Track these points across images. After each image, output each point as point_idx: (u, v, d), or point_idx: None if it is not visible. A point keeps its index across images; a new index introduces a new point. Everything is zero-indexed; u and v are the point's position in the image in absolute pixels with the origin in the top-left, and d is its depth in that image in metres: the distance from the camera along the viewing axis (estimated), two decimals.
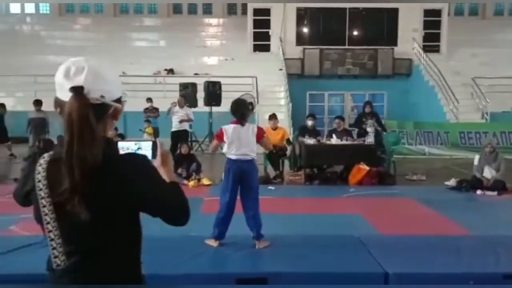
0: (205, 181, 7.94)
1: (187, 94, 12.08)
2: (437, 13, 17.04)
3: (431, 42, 17.01)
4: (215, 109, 12.56)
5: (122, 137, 8.17)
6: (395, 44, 16.60)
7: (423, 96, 15.15)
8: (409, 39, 16.42)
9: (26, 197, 1.33)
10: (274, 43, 16.98)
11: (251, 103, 12.33)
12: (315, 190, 7.75)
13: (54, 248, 1.27)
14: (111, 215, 1.27)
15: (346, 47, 16.70)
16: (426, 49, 16.31)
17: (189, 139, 10.92)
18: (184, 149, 8.48)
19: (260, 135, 4.31)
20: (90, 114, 1.24)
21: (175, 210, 1.38)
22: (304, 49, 16.40)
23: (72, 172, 1.21)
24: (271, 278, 3.52)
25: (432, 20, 17.01)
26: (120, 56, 16.12)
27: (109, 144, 1.33)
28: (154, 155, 1.50)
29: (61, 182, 1.22)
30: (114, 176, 1.26)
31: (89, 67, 1.28)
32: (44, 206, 1.26)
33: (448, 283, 3.43)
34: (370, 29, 17.04)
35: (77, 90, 1.24)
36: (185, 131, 10.48)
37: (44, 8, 20.69)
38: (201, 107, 12.41)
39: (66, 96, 1.26)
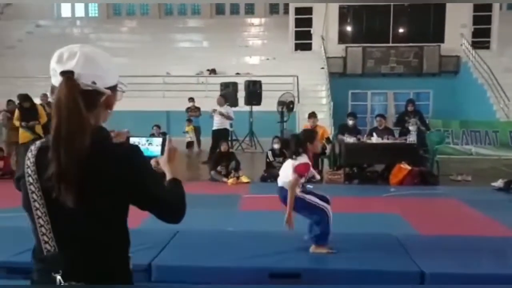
0: (244, 179, 8.03)
1: (228, 93, 12.22)
2: (488, 7, 16.33)
3: (480, 38, 16.36)
4: (255, 108, 12.65)
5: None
6: (442, 40, 16.07)
7: (471, 94, 14.59)
8: (457, 35, 15.85)
9: (17, 183, 1.32)
10: (316, 41, 16.87)
11: (291, 102, 12.39)
12: (354, 189, 7.66)
13: (43, 234, 1.24)
14: (99, 203, 1.25)
15: (390, 44, 16.34)
16: (475, 45, 15.69)
17: (230, 138, 11.05)
18: (223, 147, 8.60)
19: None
20: (79, 100, 1.21)
21: (166, 206, 1.35)
22: (347, 47, 16.20)
23: (58, 158, 1.18)
24: (305, 274, 3.54)
25: (482, 15, 16.34)
26: (164, 57, 16.55)
27: (102, 133, 1.30)
28: (163, 151, 1.50)
29: (48, 168, 1.20)
30: (104, 164, 1.23)
31: (81, 52, 1.26)
32: (33, 192, 1.24)
33: (487, 284, 3.32)
34: (415, 25, 16.59)
35: (67, 75, 1.22)
36: (225, 130, 10.59)
37: (93, 11, 21.54)
38: (242, 106, 12.53)
39: (58, 81, 1.25)
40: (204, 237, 4.33)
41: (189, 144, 12.13)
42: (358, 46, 16.12)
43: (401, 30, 16.79)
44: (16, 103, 9.05)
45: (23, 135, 8.49)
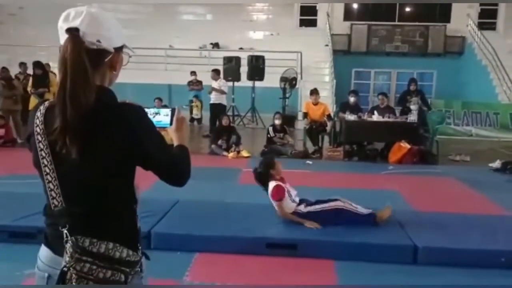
0: (244, 153, 8.08)
1: (231, 67, 12.18)
2: None
3: (487, 19, 16.16)
4: (258, 83, 12.61)
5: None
6: (448, 20, 15.87)
7: (474, 76, 14.50)
8: (463, 16, 15.64)
9: (28, 142, 1.34)
10: (321, 18, 16.67)
11: (294, 78, 12.35)
12: (353, 166, 7.71)
13: (51, 190, 1.27)
14: (104, 159, 1.26)
15: (396, 23, 16.15)
16: (482, 26, 15.52)
17: (231, 113, 11.06)
18: (224, 121, 8.63)
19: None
20: (84, 56, 1.23)
21: (169, 167, 1.37)
22: (352, 24, 16.01)
23: (64, 111, 1.21)
24: (301, 244, 3.62)
25: None
26: (167, 30, 16.38)
27: (109, 93, 1.31)
28: (172, 121, 1.53)
29: (54, 123, 1.23)
30: (109, 122, 1.25)
31: (87, 11, 1.27)
32: (42, 150, 1.26)
33: (478, 259, 3.40)
34: (421, 4, 16.35)
35: (72, 32, 1.24)
36: (221, 105, 10.59)
37: None
38: (244, 81, 12.48)
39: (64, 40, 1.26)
40: (203, 207, 4.41)
41: (193, 120, 12.08)
42: (364, 24, 15.94)
43: (407, 9, 16.58)
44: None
45: (32, 102, 8.54)
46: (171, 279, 3.14)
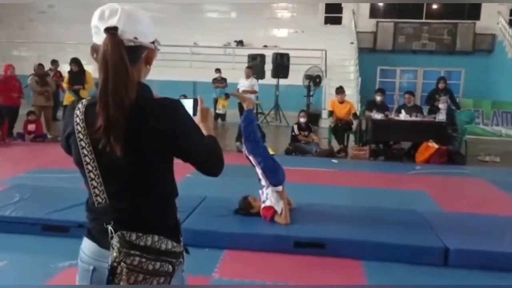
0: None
1: (255, 65, 12.18)
2: None
3: None
4: (282, 81, 12.58)
5: None
6: (478, 18, 15.53)
7: (505, 75, 14.14)
8: (493, 13, 15.28)
9: (67, 141, 1.36)
10: (346, 15, 16.54)
11: (318, 76, 12.27)
12: (379, 165, 7.63)
13: (95, 187, 1.29)
14: (146, 155, 1.28)
15: (423, 20, 15.90)
16: None
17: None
18: None
19: None
20: (124, 55, 1.25)
21: (210, 158, 1.41)
22: (378, 22, 15.83)
23: (106, 110, 1.22)
24: (329, 243, 3.60)
25: None
26: (192, 28, 16.49)
27: (146, 88, 1.33)
28: (195, 111, 1.54)
29: (97, 121, 1.24)
30: (149, 117, 1.27)
31: (122, 9, 1.29)
32: (83, 148, 1.28)
33: (510, 262, 3.32)
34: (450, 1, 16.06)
35: (111, 31, 1.25)
36: None
37: None
38: (269, 79, 12.47)
39: (101, 39, 1.27)
40: (231, 204, 4.42)
41: (217, 116, 12.10)
42: (390, 21, 15.73)
43: (435, 6, 16.26)
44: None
45: (67, 98, 8.75)
46: (201, 276, 3.16)
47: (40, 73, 9.48)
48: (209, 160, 1.42)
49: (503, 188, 5.92)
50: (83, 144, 1.28)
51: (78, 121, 1.29)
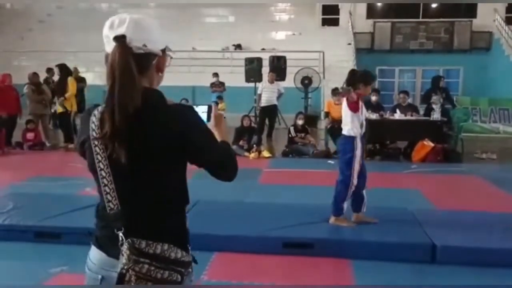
0: (265, 154, 8.12)
1: (253, 69, 12.22)
2: None
3: None
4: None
5: None
6: (474, 16, 15.53)
7: (502, 72, 14.14)
8: (490, 11, 15.28)
9: (81, 147, 1.37)
10: (343, 17, 16.56)
11: (307, 77, 12.25)
12: (375, 165, 7.60)
13: (107, 193, 1.30)
14: (157, 161, 1.30)
15: (420, 20, 15.91)
16: (510, 21, 15.09)
17: (253, 114, 11.06)
18: (245, 122, 8.68)
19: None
20: (131, 62, 1.27)
21: (224, 163, 1.41)
22: (375, 22, 15.86)
23: (112, 117, 1.25)
24: (317, 243, 3.63)
25: None
26: (190, 32, 16.56)
27: (157, 94, 1.35)
28: (209, 117, 1.57)
29: (104, 127, 1.26)
30: (160, 123, 1.29)
31: (131, 18, 1.32)
32: (98, 154, 1.29)
33: (498, 258, 3.33)
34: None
35: (119, 39, 1.28)
36: (275, 106, 10.19)
37: None
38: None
39: (111, 48, 1.30)
40: (222, 207, 4.47)
41: None
42: (387, 22, 15.75)
43: (432, 5, 16.28)
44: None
45: (60, 108, 8.97)
46: None
47: (36, 82, 9.53)
48: (223, 165, 1.42)
49: (498, 184, 5.93)
50: (98, 150, 1.29)
51: (93, 127, 1.31)
